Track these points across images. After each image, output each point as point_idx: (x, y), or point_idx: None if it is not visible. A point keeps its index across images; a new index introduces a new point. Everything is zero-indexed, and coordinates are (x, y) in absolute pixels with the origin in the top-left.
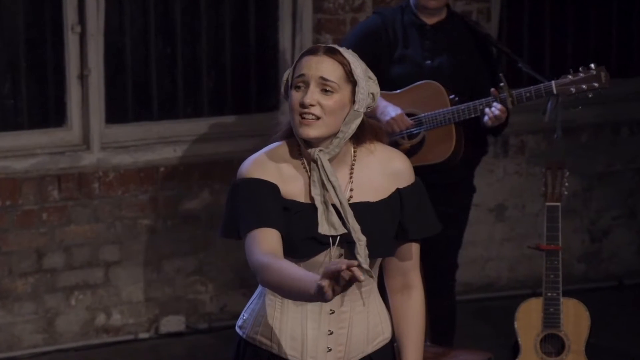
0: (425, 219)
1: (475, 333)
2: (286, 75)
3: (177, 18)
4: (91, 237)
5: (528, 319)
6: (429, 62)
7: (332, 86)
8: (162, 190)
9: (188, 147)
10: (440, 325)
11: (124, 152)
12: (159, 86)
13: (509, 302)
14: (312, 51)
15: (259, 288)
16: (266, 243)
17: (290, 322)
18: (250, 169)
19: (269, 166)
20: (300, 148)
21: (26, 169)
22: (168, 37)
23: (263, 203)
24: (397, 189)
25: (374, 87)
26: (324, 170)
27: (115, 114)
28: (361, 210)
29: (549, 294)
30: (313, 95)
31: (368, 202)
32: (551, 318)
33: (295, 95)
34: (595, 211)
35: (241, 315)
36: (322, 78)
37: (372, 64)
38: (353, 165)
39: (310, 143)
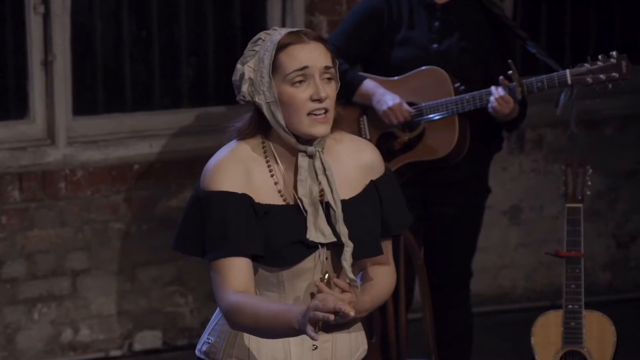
0: (402, 210)
1: (488, 349)
2: (252, 73)
3: None
4: (56, 243)
5: (546, 334)
6: (435, 45)
7: (332, 73)
8: (137, 190)
9: (165, 142)
10: (450, 343)
11: (94, 148)
12: (133, 74)
13: (525, 315)
14: (298, 39)
15: None
16: (234, 279)
17: (270, 341)
18: (216, 178)
19: (236, 173)
20: (264, 146)
21: None
22: (143, 19)
23: (233, 224)
24: (372, 182)
25: None
26: (321, 164)
27: (84, 104)
28: (343, 208)
29: (570, 306)
30: (324, 86)
31: (345, 199)
32: (572, 333)
33: (299, 93)
34: (621, 214)
35: (204, 340)
36: (326, 67)
37: (373, 46)
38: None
39: (306, 141)
